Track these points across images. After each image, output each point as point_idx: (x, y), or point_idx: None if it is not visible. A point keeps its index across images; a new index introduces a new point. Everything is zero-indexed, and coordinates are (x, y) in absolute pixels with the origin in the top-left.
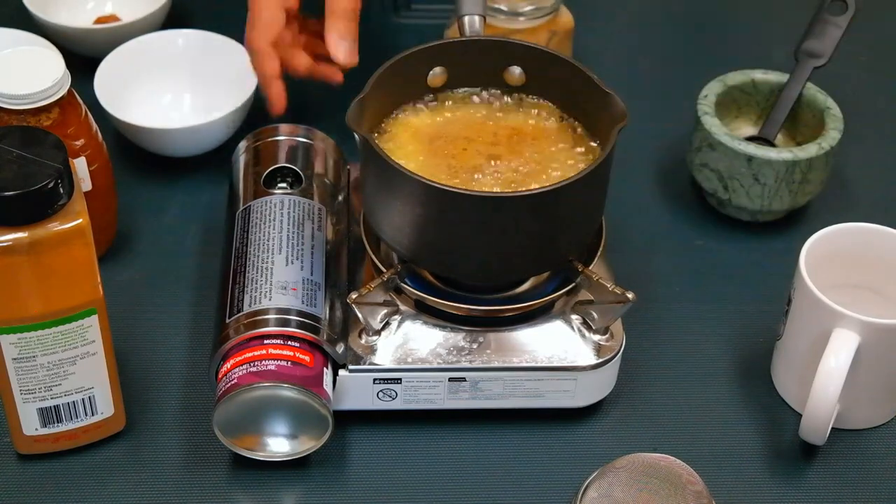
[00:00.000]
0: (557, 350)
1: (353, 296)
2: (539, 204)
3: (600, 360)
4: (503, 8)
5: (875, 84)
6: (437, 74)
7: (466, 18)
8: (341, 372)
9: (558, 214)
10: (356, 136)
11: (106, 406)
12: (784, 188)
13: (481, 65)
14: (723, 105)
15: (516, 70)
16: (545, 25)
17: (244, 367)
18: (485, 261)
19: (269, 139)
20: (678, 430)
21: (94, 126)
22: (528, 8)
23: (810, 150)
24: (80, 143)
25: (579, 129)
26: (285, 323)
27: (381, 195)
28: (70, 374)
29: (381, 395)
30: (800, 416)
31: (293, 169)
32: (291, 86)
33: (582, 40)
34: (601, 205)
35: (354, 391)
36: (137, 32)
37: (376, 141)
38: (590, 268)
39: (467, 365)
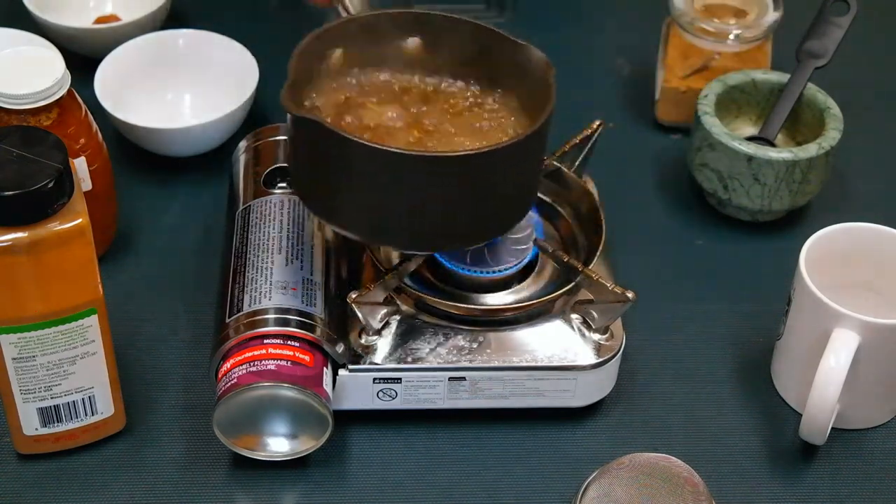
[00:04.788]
0: (557, 350)
1: (353, 296)
2: (486, 163)
3: (600, 360)
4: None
5: (875, 84)
6: (337, 56)
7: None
8: (341, 371)
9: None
10: (295, 118)
11: (106, 406)
12: (784, 188)
13: (379, 41)
14: (723, 105)
15: (414, 41)
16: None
17: (244, 366)
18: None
19: (269, 139)
20: (678, 430)
21: (94, 126)
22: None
23: (810, 150)
24: (80, 143)
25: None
26: (285, 322)
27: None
28: (70, 373)
29: (380, 394)
30: (800, 416)
31: None
32: None
33: (579, 40)
34: (538, 167)
35: (354, 391)
36: (137, 32)
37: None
38: (590, 267)
39: (467, 365)
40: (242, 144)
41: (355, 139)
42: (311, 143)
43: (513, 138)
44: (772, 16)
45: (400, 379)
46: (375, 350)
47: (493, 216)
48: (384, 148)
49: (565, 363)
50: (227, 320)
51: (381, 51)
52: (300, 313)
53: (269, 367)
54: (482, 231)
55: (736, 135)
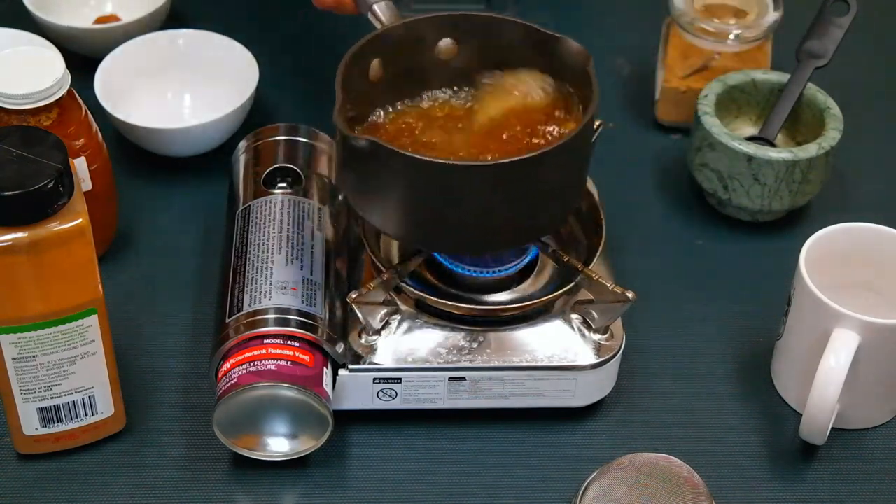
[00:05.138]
0: (557, 350)
1: (353, 295)
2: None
3: (600, 360)
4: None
5: (875, 84)
6: (374, 67)
7: (376, 7)
8: (341, 371)
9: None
10: (348, 140)
11: (106, 406)
12: (784, 188)
13: (417, 48)
14: (723, 105)
15: (447, 43)
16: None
17: (244, 366)
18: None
19: (269, 139)
20: (678, 430)
21: (94, 126)
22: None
23: (810, 150)
24: (80, 143)
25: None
26: (285, 323)
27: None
28: (70, 373)
29: (381, 394)
30: (800, 416)
31: (293, 169)
32: (291, 85)
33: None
34: (587, 160)
35: (354, 391)
36: (137, 32)
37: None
38: (590, 267)
39: (467, 364)
40: (242, 144)
41: (421, 157)
42: (374, 165)
43: (562, 137)
44: (772, 16)
45: (400, 379)
46: (375, 350)
47: (550, 209)
48: (449, 162)
49: (565, 363)
50: (227, 320)
51: (417, 57)
52: (300, 313)
53: (269, 367)
54: (541, 225)
55: (736, 135)
